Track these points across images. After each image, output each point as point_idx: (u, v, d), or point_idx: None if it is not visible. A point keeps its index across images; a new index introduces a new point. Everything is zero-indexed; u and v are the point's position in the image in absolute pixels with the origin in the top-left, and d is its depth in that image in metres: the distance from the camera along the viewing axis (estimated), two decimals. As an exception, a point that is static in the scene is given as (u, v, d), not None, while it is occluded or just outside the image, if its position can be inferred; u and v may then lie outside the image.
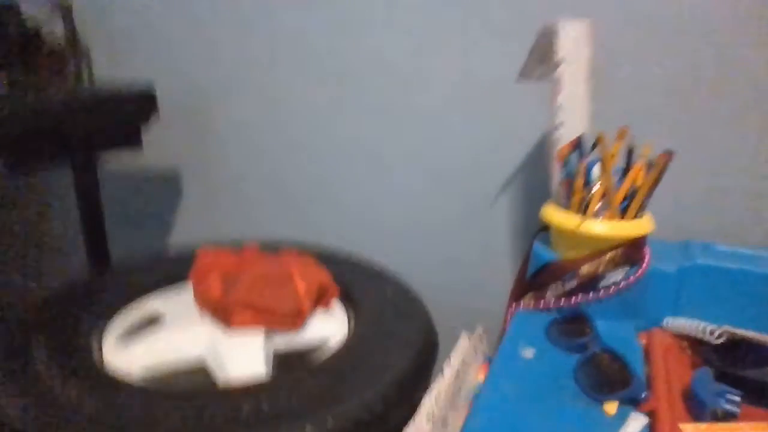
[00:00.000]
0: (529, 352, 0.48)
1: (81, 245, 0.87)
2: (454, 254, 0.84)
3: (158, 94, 0.84)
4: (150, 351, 0.56)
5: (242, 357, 0.54)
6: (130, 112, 0.79)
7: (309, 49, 0.84)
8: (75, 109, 0.70)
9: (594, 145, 0.54)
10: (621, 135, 0.54)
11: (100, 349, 0.56)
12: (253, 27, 0.86)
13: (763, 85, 0.62)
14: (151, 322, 0.62)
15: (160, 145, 0.96)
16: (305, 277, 0.63)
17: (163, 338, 0.58)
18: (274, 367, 0.56)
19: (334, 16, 0.80)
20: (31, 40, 0.92)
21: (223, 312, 0.58)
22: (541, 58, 0.55)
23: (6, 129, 0.63)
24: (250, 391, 0.48)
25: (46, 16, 0.94)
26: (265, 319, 0.58)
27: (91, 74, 1.00)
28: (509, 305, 0.60)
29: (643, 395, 0.40)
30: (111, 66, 0.98)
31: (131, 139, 0.87)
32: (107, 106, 0.75)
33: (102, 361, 0.54)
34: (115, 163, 1.01)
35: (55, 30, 0.95)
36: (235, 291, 0.58)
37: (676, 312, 0.54)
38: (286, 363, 0.58)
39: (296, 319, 0.60)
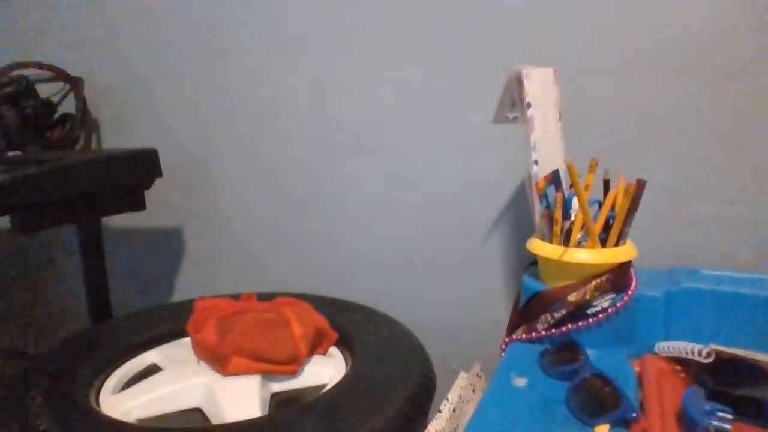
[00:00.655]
0: (521, 382, 0.48)
1: (84, 301, 0.89)
2: (451, 294, 0.85)
3: (161, 156, 0.89)
4: (146, 403, 0.57)
5: (238, 402, 0.55)
6: (134, 174, 0.83)
7: (301, 110, 0.89)
8: (82, 172, 0.74)
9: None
10: (592, 166, 0.56)
11: (97, 401, 0.57)
12: (249, 91, 0.92)
13: (734, 113, 0.66)
14: (148, 374, 0.63)
15: (162, 204, 1.00)
16: (302, 322, 0.64)
17: (159, 391, 0.58)
18: (270, 409, 0.56)
19: (320, 76, 0.87)
20: (46, 112, 0.99)
21: (219, 359, 0.59)
22: (512, 102, 0.59)
23: (17, 192, 0.67)
24: (244, 429, 0.48)
25: (59, 89, 1.01)
26: (261, 364, 0.59)
27: (99, 142, 1.06)
28: (504, 339, 0.61)
29: (633, 415, 0.40)
30: (118, 134, 1.05)
31: (135, 200, 0.91)
32: (112, 167, 0.79)
33: (98, 412, 0.54)
34: (118, 221, 1.05)
35: (67, 101, 1.02)
36: (231, 337, 0.59)
37: (667, 337, 0.54)
38: (283, 405, 0.58)
39: (292, 363, 0.61)
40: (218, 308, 0.65)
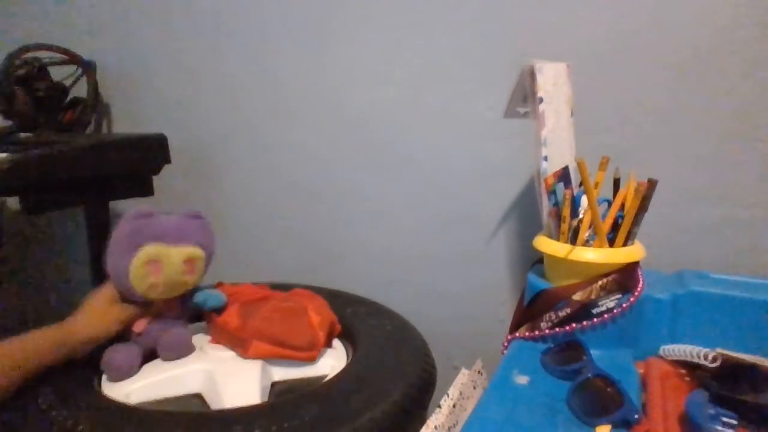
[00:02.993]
0: (523, 379, 0.48)
1: (90, 286, 0.89)
2: (455, 290, 0.85)
3: (170, 143, 0.89)
4: (146, 387, 0.57)
5: (238, 389, 0.55)
6: (143, 159, 0.84)
7: (308, 100, 0.89)
8: (92, 155, 0.75)
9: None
10: (603, 164, 0.56)
11: (100, 383, 0.57)
12: (257, 80, 0.92)
13: (746, 114, 0.64)
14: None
15: (169, 191, 1.00)
16: (319, 312, 0.64)
17: (160, 375, 0.58)
18: (270, 396, 0.56)
19: (328, 66, 0.86)
20: (58, 95, 0.99)
21: (240, 342, 0.59)
22: (524, 96, 0.58)
23: (27, 173, 0.67)
24: (243, 414, 0.48)
25: (72, 72, 1.02)
26: (281, 349, 0.59)
27: (110, 126, 1.07)
28: (507, 337, 0.60)
29: (635, 417, 0.40)
30: (128, 119, 1.05)
31: (143, 185, 0.91)
32: (121, 152, 0.79)
33: (100, 393, 0.54)
34: (126, 206, 1.05)
35: (79, 85, 1.02)
36: (252, 322, 0.60)
37: (672, 340, 0.53)
38: (283, 394, 0.58)
39: (311, 350, 0.61)
40: (241, 294, 0.66)
